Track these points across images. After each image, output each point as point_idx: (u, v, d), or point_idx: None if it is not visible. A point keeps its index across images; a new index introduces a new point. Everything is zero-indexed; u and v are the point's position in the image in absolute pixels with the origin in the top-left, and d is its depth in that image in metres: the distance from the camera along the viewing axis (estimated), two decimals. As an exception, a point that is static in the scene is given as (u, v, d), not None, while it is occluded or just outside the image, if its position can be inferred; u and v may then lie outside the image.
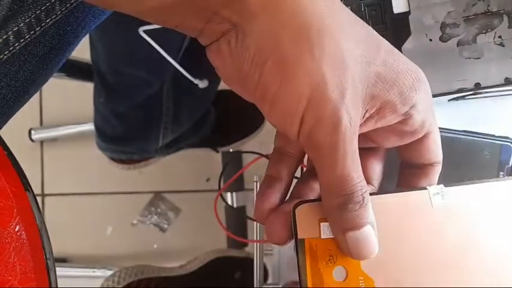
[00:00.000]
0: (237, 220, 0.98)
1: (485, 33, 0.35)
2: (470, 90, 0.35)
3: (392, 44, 0.34)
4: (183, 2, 0.25)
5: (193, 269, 0.89)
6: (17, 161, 0.37)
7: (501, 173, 0.48)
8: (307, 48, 0.24)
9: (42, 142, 1.24)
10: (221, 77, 0.29)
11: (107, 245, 1.20)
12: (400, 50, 0.35)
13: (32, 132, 1.21)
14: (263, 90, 0.26)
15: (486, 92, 0.45)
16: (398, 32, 0.36)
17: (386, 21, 0.36)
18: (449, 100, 0.44)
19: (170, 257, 1.17)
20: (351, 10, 0.34)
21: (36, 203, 0.36)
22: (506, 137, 0.48)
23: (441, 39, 0.35)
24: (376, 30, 0.34)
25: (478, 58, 0.35)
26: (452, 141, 0.48)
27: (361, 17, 0.35)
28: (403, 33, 0.35)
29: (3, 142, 0.38)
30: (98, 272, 1.11)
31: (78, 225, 1.22)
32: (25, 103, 0.44)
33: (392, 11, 0.36)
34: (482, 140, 0.48)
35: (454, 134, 0.48)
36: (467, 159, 0.48)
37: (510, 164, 0.48)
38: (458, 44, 0.35)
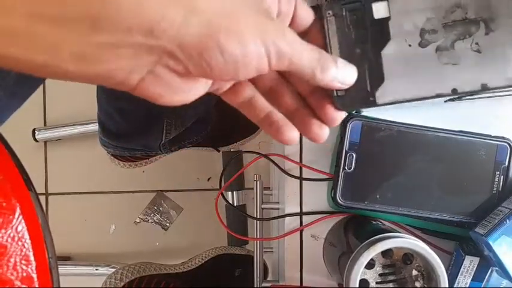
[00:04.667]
0: (237, 218, 0.98)
1: (463, 39, 0.36)
2: (447, 95, 0.36)
3: (372, 48, 0.35)
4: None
5: (194, 266, 0.89)
6: (19, 161, 0.37)
7: (497, 172, 0.48)
8: None
9: (46, 142, 1.24)
10: (169, 100, 0.29)
11: (110, 243, 1.21)
12: (379, 54, 0.36)
13: (36, 132, 1.21)
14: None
15: (482, 92, 0.45)
16: (379, 36, 0.36)
17: (366, 26, 0.36)
18: (445, 101, 0.44)
19: (172, 254, 1.18)
20: (333, 14, 0.35)
21: (39, 202, 0.36)
22: (502, 137, 0.48)
23: (420, 44, 0.36)
24: (356, 35, 0.35)
25: (455, 64, 0.36)
26: (448, 141, 0.48)
27: (342, 21, 0.36)
28: (383, 38, 0.36)
29: (6, 142, 0.39)
30: (101, 270, 1.12)
31: (82, 224, 1.22)
32: (21, 102, 0.44)
33: (373, 16, 0.36)
34: (479, 140, 0.48)
35: (451, 134, 0.48)
36: (464, 159, 0.48)
37: (506, 164, 0.48)
38: (437, 50, 0.36)
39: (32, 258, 0.31)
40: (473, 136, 0.48)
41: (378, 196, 0.49)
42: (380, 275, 0.45)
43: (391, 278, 0.46)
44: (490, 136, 0.48)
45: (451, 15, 0.35)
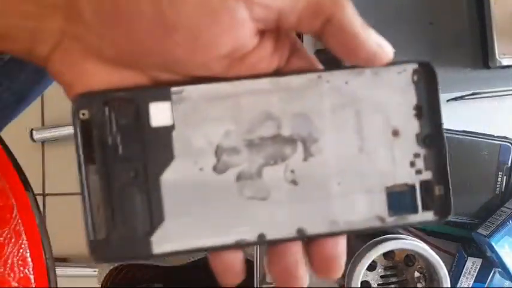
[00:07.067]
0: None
1: (274, 165, 0.25)
2: (254, 243, 0.25)
3: (147, 171, 0.25)
4: None
5: (183, 263, 0.89)
6: (17, 162, 0.37)
7: (500, 173, 0.48)
8: None
9: (43, 142, 1.24)
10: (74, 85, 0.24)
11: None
12: (158, 180, 0.25)
13: (34, 132, 1.21)
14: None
15: (485, 93, 0.45)
16: (158, 154, 0.25)
17: (141, 137, 0.25)
18: (447, 100, 0.44)
19: (170, 257, 1.17)
20: (90, 116, 0.24)
21: (36, 203, 0.36)
22: (505, 137, 0.48)
23: (215, 169, 0.25)
24: (125, 150, 0.24)
25: (263, 199, 0.25)
26: (451, 142, 0.48)
27: (104, 127, 0.24)
28: (163, 156, 0.25)
29: (4, 142, 0.38)
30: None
31: (79, 225, 1.21)
32: (28, 105, 0.44)
33: (150, 123, 0.25)
34: (481, 140, 0.48)
35: (453, 134, 0.48)
36: (466, 159, 0.48)
37: (509, 164, 0.48)
38: (238, 178, 0.25)
39: (29, 259, 0.31)
40: (475, 136, 0.48)
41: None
42: (382, 276, 0.45)
43: (392, 279, 0.45)
44: (493, 136, 0.48)
45: (259, 129, 0.25)
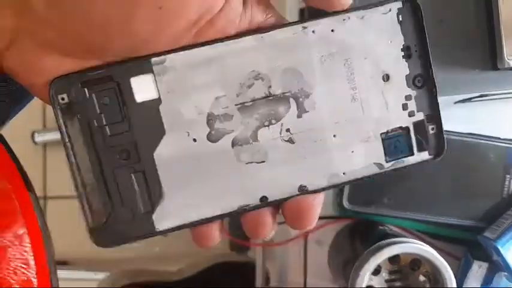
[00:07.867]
0: (239, 224, 0.97)
1: (268, 126, 0.25)
2: (257, 207, 0.25)
3: (139, 149, 0.24)
4: None
5: (189, 274, 0.88)
6: (20, 164, 0.37)
7: (507, 175, 0.48)
8: None
9: (45, 145, 1.24)
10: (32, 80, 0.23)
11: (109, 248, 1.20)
12: (151, 158, 0.24)
13: (35, 134, 1.20)
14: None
15: (493, 95, 0.45)
16: (147, 130, 0.24)
17: (127, 115, 0.24)
18: (455, 102, 0.44)
19: (172, 260, 1.17)
20: (69, 101, 0.23)
21: (39, 205, 0.35)
22: (512, 140, 0.48)
23: (210, 138, 0.24)
24: (112, 130, 0.24)
25: (262, 162, 0.25)
26: (457, 144, 0.48)
27: (87, 110, 0.23)
28: (154, 132, 0.24)
29: (7, 144, 0.38)
30: (100, 275, 1.11)
31: (80, 228, 1.21)
32: (25, 105, 0.44)
33: (135, 99, 0.24)
34: (488, 142, 0.48)
35: (460, 136, 0.48)
36: (473, 162, 0.48)
37: (516, 167, 0.48)
38: (233, 144, 0.25)
39: (32, 262, 0.31)
40: (482, 138, 0.48)
41: (385, 200, 0.48)
42: (386, 281, 0.45)
43: (397, 284, 0.45)
44: (499, 138, 0.48)
45: (249, 91, 0.24)
